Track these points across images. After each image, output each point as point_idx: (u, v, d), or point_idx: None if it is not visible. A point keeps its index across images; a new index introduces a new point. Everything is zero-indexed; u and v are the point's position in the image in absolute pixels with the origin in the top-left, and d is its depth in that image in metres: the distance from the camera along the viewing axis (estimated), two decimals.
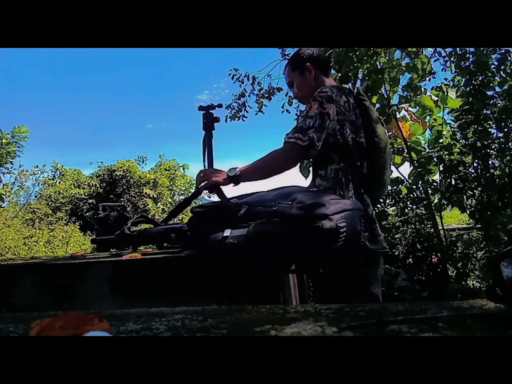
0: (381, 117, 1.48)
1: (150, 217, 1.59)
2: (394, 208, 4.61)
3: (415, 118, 4.39)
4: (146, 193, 10.05)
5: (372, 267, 1.30)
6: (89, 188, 10.29)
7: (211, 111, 1.58)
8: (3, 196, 7.67)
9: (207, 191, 1.40)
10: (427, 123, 4.49)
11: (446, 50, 4.16)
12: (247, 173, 1.32)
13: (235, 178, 1.31)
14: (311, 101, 1.35)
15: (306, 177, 4.49)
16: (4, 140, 6.36)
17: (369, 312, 0.56)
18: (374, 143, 1.40)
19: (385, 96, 4.18)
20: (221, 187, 1.36)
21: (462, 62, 3.75)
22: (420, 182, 4.21)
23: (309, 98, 1.45)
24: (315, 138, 1.27)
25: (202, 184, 1.35)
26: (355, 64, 3.95)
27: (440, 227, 4.32)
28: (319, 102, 1.33)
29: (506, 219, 3.34)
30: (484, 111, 3.68)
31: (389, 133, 4.21)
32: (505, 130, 3.67)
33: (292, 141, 1.29)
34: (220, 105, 1.62)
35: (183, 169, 12.05)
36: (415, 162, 4.25)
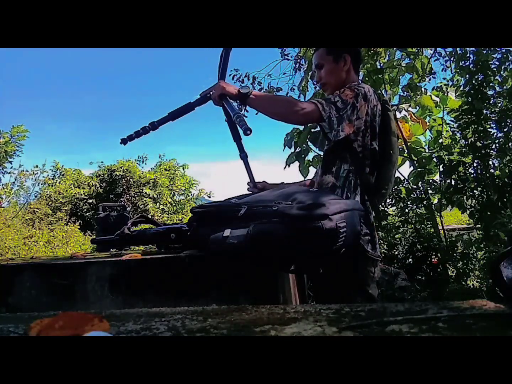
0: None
1: (150, 217, 1.58)
2: (394, 208, 4.61)
3: (415, 118, 4.40)
4: (146, 193, 10.04)
5: (369, 269, 1.31)
6: (89, 188, 10.29)
7: None
8: (2, 196, 7.66)
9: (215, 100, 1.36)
10: (427, 123, 4.50)
11: (446, 50, 4.17)
12: (256, 98, 1.31)
13: (244, 96, 1.30)
14: (346, 87, 1.32)
15: (305, 176, 4.49)
16: (2, 140, 6.34)
17: (369, 312, 0.56)
18: (387, 155, 1.38)
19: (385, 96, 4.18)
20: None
21: (462, 62, 3.75)
22: (420, 182, 4.21)
23: (333, 88, 1.43)
24: (335, 122, 1.24)
25: (213, 90, 1.34)
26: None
27: (440, 227, 4.33)
28: (355, 93, 1.29)
29: (506, 219, 3.34)
30: (484, 111, 3.67)
31: None
32: (505, 130, 3.67)
33: (313, 101, 1.27)
34: None
35: (183, 169, 12.04)
36: (415, 162, 4.26)
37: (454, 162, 3.82)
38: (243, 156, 1.56)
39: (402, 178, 4.47)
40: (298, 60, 5.14)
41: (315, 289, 1.46)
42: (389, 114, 1.41)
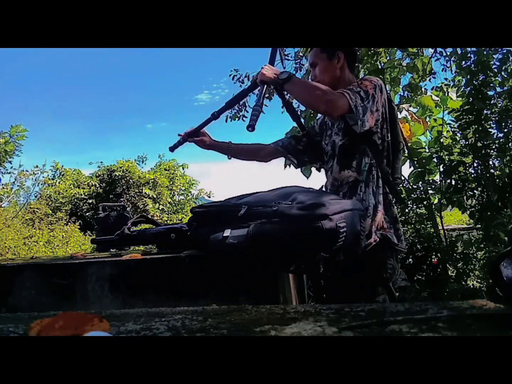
0: None
1: (150, 217, 1.58)
2: None
3: (416, 118, 4.39)
4: (145, 193, 10.04)
5: (395, 265, 1.31)
6: (88, 188, 10.29)
7: None
8: (1, 196, 7.66)
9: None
10: (428, 123, 4.49)
11: (446, 50, 4.16)
12: (294, 83, 1.31)
13: (282, 82, 1.31)
14: (362, 79, 1.33)
15: (307, 177, 4.49)
16: (1, 140, 6.33)
17: (369, 312, 0.56)
18: (398, 145, 1.40)
19: None
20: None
21: (463, 62, 3.75)
22: (420, 182, 4.21)
23: (327, 86, 1.43)
24: (361, 112, 1.24)
25: (258, 77, 1.38)
26: (356, 64, 3.95)
27: (440, 227, 4.32)
28: (373, 85, 1.29)
29: (506, 219, 3.34)
30: (485, 111, 3.67)
31: None
32: (505, 130, 3.67)
33: (340, 91, 1.27)
34: None
35: (183, 168, 12.06)
36: (415, 162, 4.25)
37: (455, 162, 3.82)
38: (305, 134, 1.56)
39: (402, 178, 4.46)
40: (298, 60, 5.14)
41: (337, 285, 1.41)
42: (393, 106, 1.43)
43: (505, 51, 3.68)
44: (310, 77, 1.66)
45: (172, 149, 1.57)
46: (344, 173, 1.37)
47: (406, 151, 4.30)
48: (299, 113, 5.02)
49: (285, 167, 4.60)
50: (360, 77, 1.56)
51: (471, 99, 3.65)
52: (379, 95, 1.30)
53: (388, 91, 4.27)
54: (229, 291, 1.11)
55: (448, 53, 4.19)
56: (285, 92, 1.46)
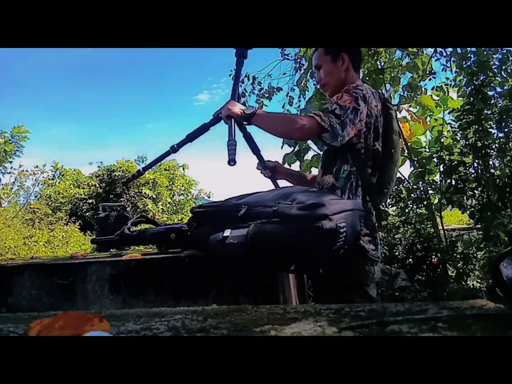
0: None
1: (150, 217, 1.58)
2: (394, 208, 4.61)
3: (416, 118, 4.39)
4: (145, 193, 10.04)
5: (369, 269, 1.30)
6: (88, 188, 10.29)
7: None
8: (1, 196, 7.65)
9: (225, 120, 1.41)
10: (428, 123, 4.49)
11: (446, 50, 4.17)
12: (260, 117, 1.34)
13: (248, 117, 1.34)
14: (343, 92, 1.32)
15: None
16: (1, 140, 6.31)
17: (369, 312, 0.56)
18: (390, 154, 1.39)
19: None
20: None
21: (464, 62, 3.75)
22: (420, 182, 4.22)
23: (333, 88, 1.44)
24: (339, 128, 1.25)
25: (222, 112, 1.39)
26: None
27: (440, 227, 4.33)
28: (354, 98, 1.29)
29: (506, 219, 3.34)
30: (485, 111, 3.67)
31: None
32: (505, 130, 3.67)
33: (311, 115, 1.28)
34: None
35: (183, 168, 12.06)
36: (415, 162, 4.26)
37: (455, 162, 3.83)
38: (264, 167, 1.59)
39: (402, 178, 4.47)
40: (298, 60, 5.14)
41: (315, 289, 1.46)
42: (390, 113, 1.41)
43: (505, 51, 3.68)
44: (314, 79, 1.66)
45: (125, 183, 1.62)
46: (326, 177, 1.38)
47: (406, 151, 4.31)
48: (299, 113, 5.02)
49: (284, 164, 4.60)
50: (360, 77, 1.55)
51: (471, 99, 3.65)
52: (363, 105, 1.29)
53: (388, 92, 4.27)
54: (229, 291, 1.11)
55: (448, 53, 4.19)
56: (246, 126, 1.49)
